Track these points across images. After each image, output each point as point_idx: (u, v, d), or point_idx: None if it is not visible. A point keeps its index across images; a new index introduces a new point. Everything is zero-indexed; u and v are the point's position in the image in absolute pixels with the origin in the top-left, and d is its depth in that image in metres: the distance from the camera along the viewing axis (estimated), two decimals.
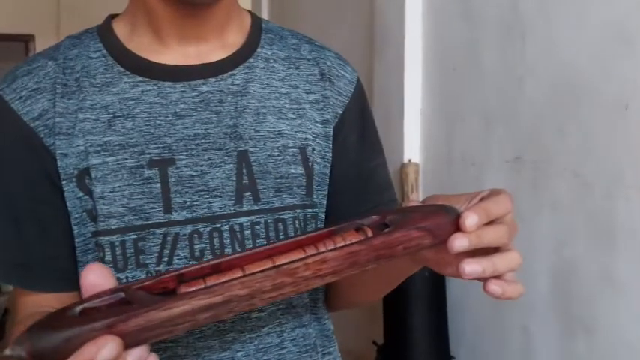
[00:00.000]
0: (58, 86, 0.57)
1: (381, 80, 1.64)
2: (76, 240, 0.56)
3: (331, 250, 0.42)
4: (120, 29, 0.60)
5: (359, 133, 0.66)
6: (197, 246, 0.56)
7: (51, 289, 0.58)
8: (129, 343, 0.36)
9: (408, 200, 1.53)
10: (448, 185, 1.48)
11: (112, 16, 0.62)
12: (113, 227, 0.55)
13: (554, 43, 1.14)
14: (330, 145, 0.64)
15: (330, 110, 0.64)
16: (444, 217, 0.44)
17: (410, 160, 1.57)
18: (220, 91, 0.59)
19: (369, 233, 0.44)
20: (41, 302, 0.58)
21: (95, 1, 5.59)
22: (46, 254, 0.57)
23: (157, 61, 0.58)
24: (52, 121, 0.56)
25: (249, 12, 0.67)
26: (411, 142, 1.57)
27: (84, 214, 0.55)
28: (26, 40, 5.43)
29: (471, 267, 0.43)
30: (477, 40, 1.34)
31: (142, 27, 0.59)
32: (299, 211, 0.61)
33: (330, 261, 0.41)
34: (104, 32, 0.60)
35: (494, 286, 0.44)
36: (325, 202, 0.64)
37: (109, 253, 0.55)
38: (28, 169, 0.56)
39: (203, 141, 0.58)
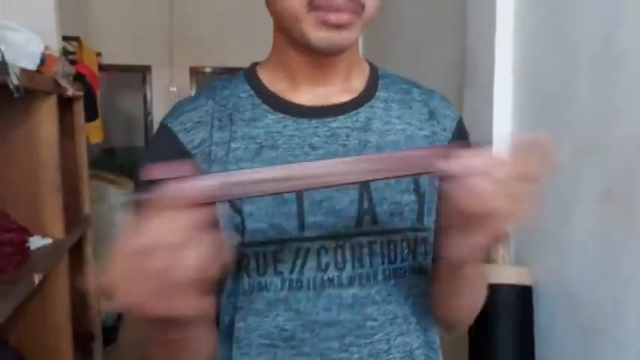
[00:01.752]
0: (215, 120, 0.69)
1: (471, 110, 1.69)
2: None
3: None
4: (263, 74, 0.73)
5: None
6: (323, 259, 0.66)
7: None
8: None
9: None
10: (538, 215, 1.49)
11: (255, 64, 0.75)
12: (258, 240, 0.65)
13: None
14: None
15: (437, 144, 0.72)
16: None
17: None
18: (347, 127, 0.70)
19: None
20: None
21: (204, 34, 6.00)
22: None
23: (293, 101, 0.70)
24: (209, 149, 0.67)
25: (367, 61, 0.78)
26: None
27: (233, 227, 0.66)
28: (143, 70, 5.95)
29: None
30: (568, 71, 1.35)
31: (281, 73, 0.71)
32: (410, 233, 0.70)
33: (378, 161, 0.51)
34: (250, 76, 0.73)
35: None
36: (434, 227, 0.72)
37: (253, 261, 0.66)
38: None
39: None
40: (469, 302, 0.73)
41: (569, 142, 1.35)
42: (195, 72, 6.02)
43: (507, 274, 1.48)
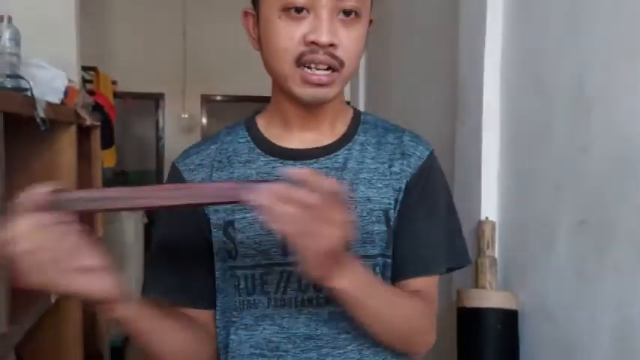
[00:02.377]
0: (215, 162, 0.82)
1: (462, 145, 1.80)
2: (217, 271, 0.79)
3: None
4: (260, 122, 0.85)
5: (417, 196, 0.82)
6: (304, 282, 0.77)
7: (191, 306, 0.81)
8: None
9: (484, 255, 1.65)
10: (522, 243, 1.59)
11: (257, 112, 0.87)
12: (248, 264, 0.76)
13: (615, 116, 1.25)
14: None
15: (403, 180, 0.82)
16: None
17: (487, 218, 1.69)
18: (327, 167, 0.80)
19: None
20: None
21: (215, 65, 6.18)
22: (191, 281, 0.80)
23: (283, 145, 0.81)
24: None
25: (353, 108, 0.89)
26: (488, 201, 1.70)
27: (225, 253, 0.77)
28: (157, 97, 6.13)
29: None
30: (547, 112, 1.47)
31: (276, 121, 0.83)
32: (380, 259, 0.80)
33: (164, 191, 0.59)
34: (249, 124, 0.85)
35: None
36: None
37: (242, 281, 0.77)
38: (188, 220, 0.80)
39: None
40: (380, 329, 0.75)
41: (549, 175, 1.46)
42: (206, 100, 6.21)
43: (494, 298, 1.57)
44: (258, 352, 0.78)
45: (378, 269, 0.79)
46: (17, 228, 0.55)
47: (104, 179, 2.83)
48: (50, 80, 1.73)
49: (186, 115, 6.13)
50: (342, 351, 0.78)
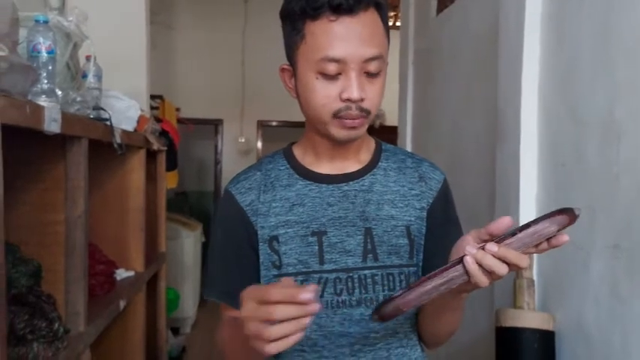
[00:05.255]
0: (261, 186, 0.95)
1: (502, 169, 1.88)
2: (263, 279, 0.92)
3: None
4: (296, 151, 0.99)
5: (443, 215, 0.97)
6: (338, 287, 0.89)
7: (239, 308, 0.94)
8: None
9: (522, 277, 1.71)
10: (560, 264, 1.64)
11: (292, 143, 1.01)
12: (290, 272, 0.89)
13: None
14: (425, 224, 0.94)
15: (424, 201, 0.95)
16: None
17: None
18: (355, 190, 0.93)
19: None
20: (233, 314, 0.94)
21: (271, 92, 6.47)
22: (242, 286, 0.93)
23: (317, 171, 0.95)
24: (256, 207, 0.93)
25: (374, 138, 1.02)
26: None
27: (270, 263, 0.90)
28: (216, 123, 6.44)
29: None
30: (581, 140, 1.54)
31: (309, 151, 0.97)
32: (404, 268, 0.92)
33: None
34: (287, 154, 0.99)
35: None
36: (421, 264, 0.94)
37: None
38: (241, 234, 0.93)
39: (344, 220, 0.91)
40: (452, 324, 0.94)
41: (584, 199, 1.52)
42: (262, 125, 6.48)
43: (530, 318, 1.62)
44: (299, 347, 0.90)
45: (402, 277, 0.90)
46: None
47: (167, 199, 3.05)
48: (125, 110, 1.95)
49: (243, 140, 6.43)
50: (371, 348, 0.89)
